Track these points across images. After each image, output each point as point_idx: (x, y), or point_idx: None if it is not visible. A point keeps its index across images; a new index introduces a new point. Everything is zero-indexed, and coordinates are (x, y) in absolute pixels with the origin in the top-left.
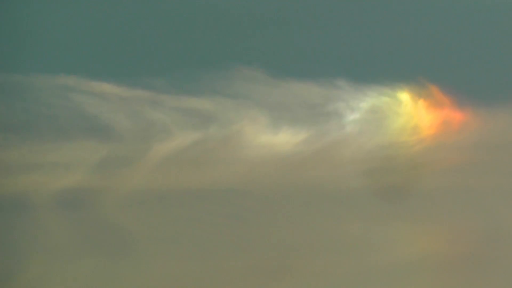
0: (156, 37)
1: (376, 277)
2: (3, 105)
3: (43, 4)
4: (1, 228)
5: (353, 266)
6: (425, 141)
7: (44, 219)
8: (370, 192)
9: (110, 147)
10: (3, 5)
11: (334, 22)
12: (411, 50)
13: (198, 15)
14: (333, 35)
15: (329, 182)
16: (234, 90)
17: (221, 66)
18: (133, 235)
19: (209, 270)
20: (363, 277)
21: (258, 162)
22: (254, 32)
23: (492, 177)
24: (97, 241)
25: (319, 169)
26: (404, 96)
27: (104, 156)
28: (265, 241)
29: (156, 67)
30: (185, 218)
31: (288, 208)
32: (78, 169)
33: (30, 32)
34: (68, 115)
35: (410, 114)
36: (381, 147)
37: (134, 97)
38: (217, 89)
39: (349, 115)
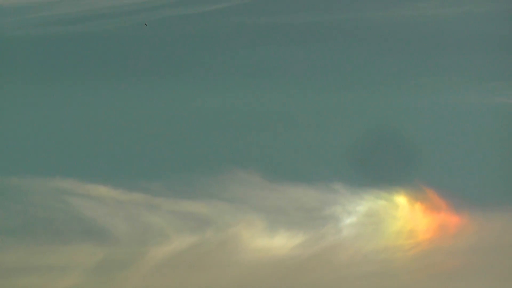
0: (152, 140)
1: None
2: (0, 208)
3: (40, 108)
4: None
5: None
6: (421, 244)
7: None
8: None
9: (106, 250)
10: (2, 109)
11: (330, 126)
12: (408, 154)
13: (194, 119)
14: (330, 139)
15: (326, 286)
16: (231, 193)
17: (218, 169)
18: None
19: None
20: None
21: (254, 265)
22: (250, 136)
23: (488, 281)
24: None
25: (315, 273)
26: (401, 200)
27: (100, 259)
28: None
29: (153, 170)
30: None
31: None
32: (74, 272)
33: (26, 135)
34: (64, 218)
35: (406, 217)
36: (378, 250)
37: (130, 201)
38: (214, 192)
39: (345, 219)
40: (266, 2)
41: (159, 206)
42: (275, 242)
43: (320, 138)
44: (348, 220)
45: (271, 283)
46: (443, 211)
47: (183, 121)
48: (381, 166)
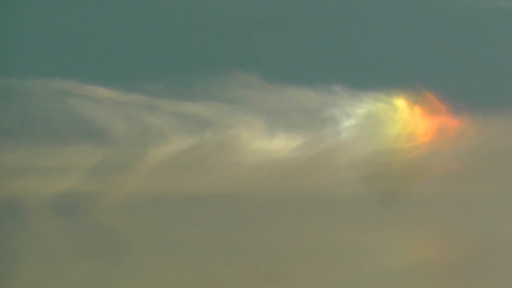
0: (152, 41)
1: (370, 284)
2: None
3: (39, 8)
4: None
5: (347, 272)
6: (420, 147)
7: (38, 223)
8: (365, 198)
9: (105, 152)
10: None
11: (330, 28)
12: (408, 56)
13: (194, 19)
14: (330, 41)
15: (325, 188)
16: (230, 95)
17: (217, 71)
18: (128, 239)
19: (204, 275)
20: (358, 283)
21: (253, 167)
22: (250, 37)
23: (488, 185)
24: (92, 246)
25: (314, 175)
26: (400, 103)
27: (99, 160)
28: (260, 247)
29: (152, 71)
30: (180, 223)
31: (284, 214)
32: (73, 173)
33: (26, 35)
34: (63, 119)
35: (406, 120)
36: (377, 153)
37: (130, 102)
38: (213, 94)
39: (345, 121)
40: None
41: (158, 107)
42: (274, 144)
43: (320, 39)
44: (347, 123)
45: (269, 185)
46: (443, 114)
47: (183, 21)
48: (380, 68)
